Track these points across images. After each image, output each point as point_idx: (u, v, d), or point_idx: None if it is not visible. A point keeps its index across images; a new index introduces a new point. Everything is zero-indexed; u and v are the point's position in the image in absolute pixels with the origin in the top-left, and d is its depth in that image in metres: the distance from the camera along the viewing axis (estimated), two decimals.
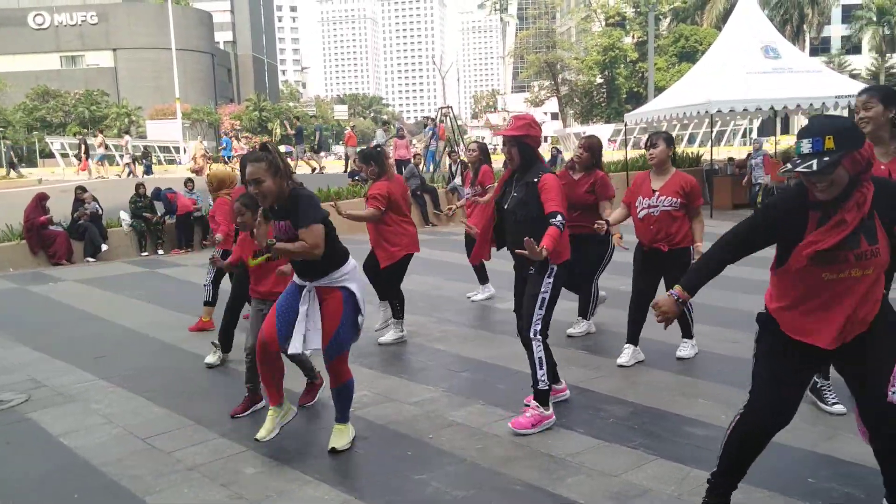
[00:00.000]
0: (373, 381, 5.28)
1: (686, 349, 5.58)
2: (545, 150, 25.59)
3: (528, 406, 4.27)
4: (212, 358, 5.87)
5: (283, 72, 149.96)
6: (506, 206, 4.37)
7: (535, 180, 4.22)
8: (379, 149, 6.74)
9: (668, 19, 57.65)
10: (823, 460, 3.71)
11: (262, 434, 4.09)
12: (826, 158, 2.62)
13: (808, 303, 2.83)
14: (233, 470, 3.90)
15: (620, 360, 5.42)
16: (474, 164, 7.68)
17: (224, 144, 30.63)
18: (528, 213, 4.22)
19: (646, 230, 5.28)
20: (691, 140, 34.93)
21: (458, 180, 14.55)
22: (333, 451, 4.04)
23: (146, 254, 12.64)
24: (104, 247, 12.28)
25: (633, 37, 55.88)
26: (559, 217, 4.07)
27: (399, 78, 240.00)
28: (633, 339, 5.48)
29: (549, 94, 62.54)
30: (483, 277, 7.89)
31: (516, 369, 5.43)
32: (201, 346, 6.40)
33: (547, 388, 4.25)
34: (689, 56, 47.01)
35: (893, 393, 2.72)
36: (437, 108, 19.88)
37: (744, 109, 15.43)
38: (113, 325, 7.48)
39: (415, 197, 13.97)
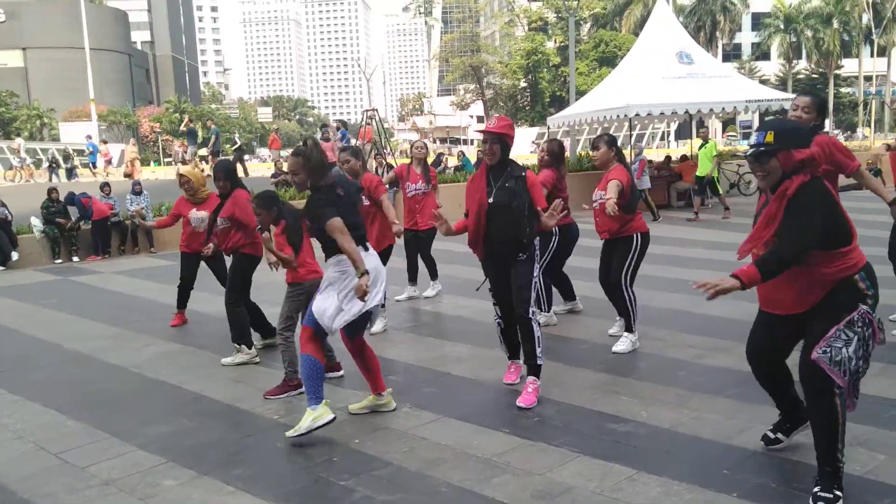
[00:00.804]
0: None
1: (624, 344, 5.77)
2: (471, 154, 25.76)
3: (529, 383, 4.74)
4: (242, 357, 5.89)
5: (205, 73, 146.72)
6: (492, 200, 4.64)
7: (524, 174, 4.68)
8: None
9: (588, 25, 58.92)
10: (738, 452, 3.84)
11: (353, 407, 4.67)
12: (762, 149, 3.22)
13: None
14: (151, 483, 3.78)
15: (616, 349, 5.76)
16: (422, 161, 7.81)
17: (90, 149, 29.39)
18: (521, 204, 4.60)
19: (595, 221, 5.91)
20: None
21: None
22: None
23: (60, 261, 12.12)
24: (14, 255, 11.72)
25: (555, 41, 56.87)
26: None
27: (325, 80, 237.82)
28: (629, 327, 5.83)
29: (474, 98, 63.04)
30: (413, 277, 7.94)
31: (444, 371, 5.45)
32: (118, 356, 6.20)
33: (542, 363, 4.75)
34: (609, 61, 48.15)
35: (819, 353, 3.15)
36: (363, 110, 19.77)
37: (661, 113, 15.92)
38: (23, 336, 7.15)
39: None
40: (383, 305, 6.21)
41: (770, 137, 3.21)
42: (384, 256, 6.34)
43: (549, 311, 6.60)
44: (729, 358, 5.44)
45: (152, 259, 11.60)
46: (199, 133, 26.86)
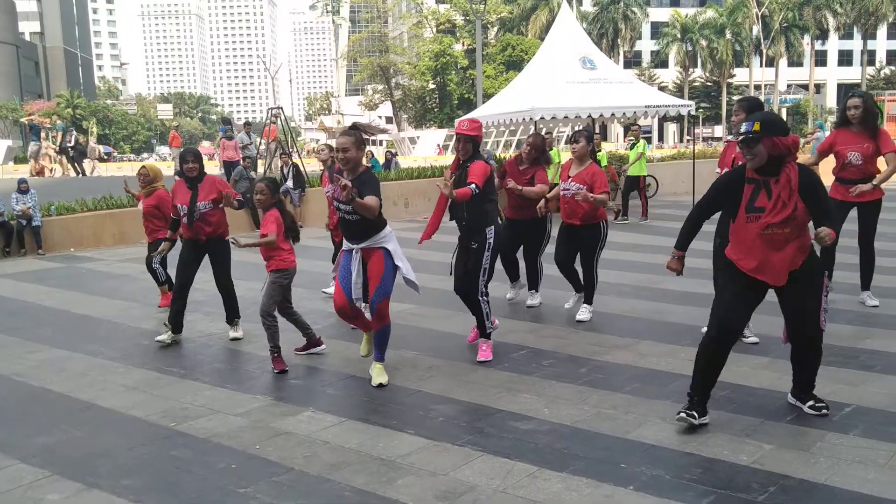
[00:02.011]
0: (196, 394, 5.03)
1: (584, 313, 6.64)
2: (380, 154, 25.67)
3: (482, 343, 5.64)
4: (163, 336, 6.30)
5: (100, 67, 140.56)
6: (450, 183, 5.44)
7: (468, 165, 5.46)
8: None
9: (495, 28, 59.72)
10: (634, 446, 3.95)
11: (364, 351, 5.48)
12: (751, 136, 3.87)
13: (755, 251, 3.99)
14: (34, 498, 3.56)
15: (579, 318, 6.61)
16: (328, 163, 7.68)
17: None
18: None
19: (563, 208, 6.60)
20: (519, 145, 36.38)
21: (289, 182, 14.26)
22: (381, 385, 5.01)
23: None
24: None
25: (463, 44, 57.37)
26: (473, 185, 5.30)
27: (228, 77, 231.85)
28: (577, 288, 6.84)
29: (383, 98, 62.87)
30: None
31: (347, 373, 5.38)
32: (4, 365, 5.82)
33: (492, 330, 5.69)
34: (516, 65, 48.95)
35: (824, 324, 4.09)
36: (268, 108, 19.36)
37: (564, 116, 16.24)
38: None
39: (245, 201, 13.49)
40: None
41: (757, 126, 3.87)
42: None
43: (538, 291, 7.27)
44: (628, 354, 5.60)
45: (40, 261, 10.98)
46: (49, 130, 25.57)
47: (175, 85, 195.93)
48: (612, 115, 16.51)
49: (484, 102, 21.46)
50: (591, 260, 6.60)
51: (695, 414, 4.10)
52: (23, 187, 11.71)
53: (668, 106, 16.84)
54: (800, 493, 3.39)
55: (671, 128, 66.58)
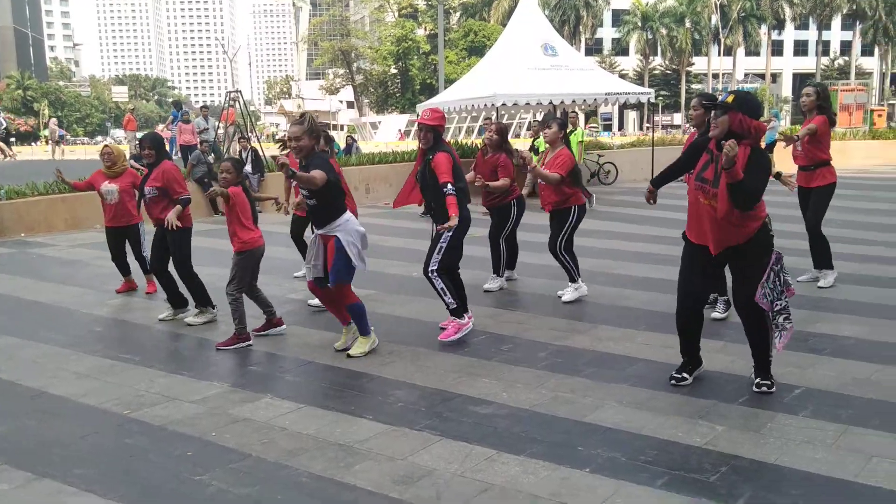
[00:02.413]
0: (150, 381, 4.95)
1: (569, 294, 6.77)
2: (340, 139, 25.45)
3: (447, 323, 5.72)
4: (165, 314, 6.48)
5: (52, 48, 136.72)
6: (418, 178, 5.76)
7: (430, 157, 5.55)
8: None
9: (458, 14, 59.54)
10: (591, 429, 4.00)
11: (339, 345, 5.50)
12: (721, 105, 4.11)
13: (698, 219, 4.28)
14: None
15: (565, 298, 6.76)
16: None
17: None
18: (431, 182, 5.57)
19: (541, 195, 6.82)
20: (482, 131, 36.38)
21: (248, 167, 14.05)
22: (349, 356, 5.29)
23: None
24: None
25: (425, 29, 57.10)
26: (448, 186, 5.45)
27: (186, 60, 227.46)
28: (572, 278, 6.84)
29: (344, 83, 62.32)
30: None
31: (307, 360, 5.35)
32: None
33: (455, 306, 5.63)
34: (478, 50, 48.90)
35: (761, 296, 4.18)
36: (227, 92, 19.04)
37: (526, 103, 16.30)
38: None
39: (202, 185, 13.31)
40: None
41: (731, 99, 4.10)
42: None
43: (502, 276, 7.39)
44: (586, 339, 5.66)
45: None
46: None
47: (130, 67, 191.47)
48: (574, 101, 16.61)
49: (446, 88, 21.40)
50: (554, 244, 6.72)
51: (684, 376, 4.56)
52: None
53: (629, 93, 16.99)
54: (750, 473, 3.46)
55: (631, 115, 67.23)
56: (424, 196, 5.81)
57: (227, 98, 18.16)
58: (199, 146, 15.85)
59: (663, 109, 66.39)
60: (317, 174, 4.98)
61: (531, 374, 4.90)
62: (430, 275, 5.60)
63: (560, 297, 6.82)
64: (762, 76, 67.96)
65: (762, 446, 3.73)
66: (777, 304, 4.23)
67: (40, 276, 8.54)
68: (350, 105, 64.66)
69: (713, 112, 4.18)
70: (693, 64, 66.33)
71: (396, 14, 57.98)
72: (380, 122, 52.30)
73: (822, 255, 7.09)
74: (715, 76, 64.37)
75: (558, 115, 18.03)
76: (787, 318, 4.27)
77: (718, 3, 59.24)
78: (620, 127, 67.93)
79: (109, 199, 7.21)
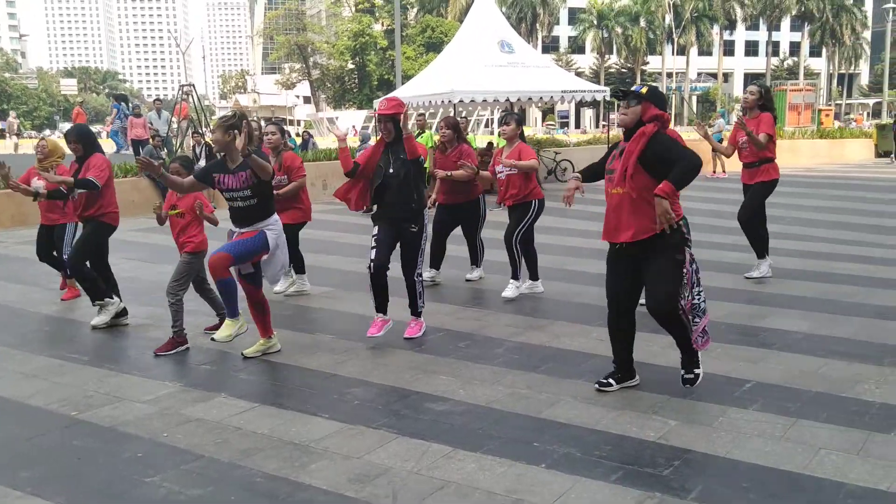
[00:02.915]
0: (99, 381, 4.83)
1: (510, 290, 6.80)
2: (297, 135, 25.18)
3: (412, 321, 5.70)
4: (101, 319, 6.06)
5: None
6: (391, 171, 5.42)
7: (400, 144, 5.39)
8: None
9: (415, 10, 59.40)
10: (546, 425, 4.02)
11: (248, 350, 5.23)
12: (635, 93, 4.18)
13: (608, 213, 4.28)
14: None
15: (505, 294, 6.78)
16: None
17: None
18: (408, 173, 5.41)
19: (499, 190, 6.79)
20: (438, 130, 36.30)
21: (202, 162, 13.82)
22: (213, 339, 5.31)
23: None
24: None
25: (382, 24, 56.83)
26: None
27: (138, 52, 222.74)
28: (514, 275, 6.83)
29: (300, 78, 61.67)
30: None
31: (262, 359, 5.28)
32: None
33: (422, 308, 5.71)
34: (436, 46, 48.86)
35: (693, 306, 4.20)
36: (180, 85, 18.70)
37: (483, 100, 16.32)
38: None
39: (153, 181, 13.03)
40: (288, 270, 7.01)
41: (645, 90, 4.18)
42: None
43: (480, 267, 7.57)
44: (542, 335, 5.70)
45: None
46: None
47: (80, 59, 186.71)
48: (530, 98, 16.70)
49: (403, 84, 21.32)
50: (511, 235, 6.72)
51: (609, 382, 4.45)
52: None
53: (585, 91, 17.14)
54: (703, 467, 3.52)
55: (588, 113, 67.89)
56: (389, 195, 5.47)
57: (180, 92, 17.84)
58: (150, 141, 15.55)
59: (618, 107, 67.29)
60: (266, 164, 4.90)
61: (488, 370, 4.92)
62: (416, 278, 5.59)
63: (503, 296, 6.80)
64: (714, 75, 69.25)
65: (714, 440, 3.79)
66: (695, 303, 4.23)
67: None
68: (307, 100, 64.04)
69: (624, 98, 4.22)
70: (648, 63, 67.28)
71: (353, 9, 57.62)
72: (337, 118, 51.92)
73: (757, 245, 7.31)
74: (669, 75, 65.36)
75: (516, 111, 18.10)
76: (698, 314, 4.24)
77: (672, 3, 60.14)
78: (578, 125, 68.63)
79: (38, 197, 6.46)
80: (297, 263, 7.11)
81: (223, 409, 4.33)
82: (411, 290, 5.64)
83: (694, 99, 63.40)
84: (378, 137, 5.64)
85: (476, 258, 7.57)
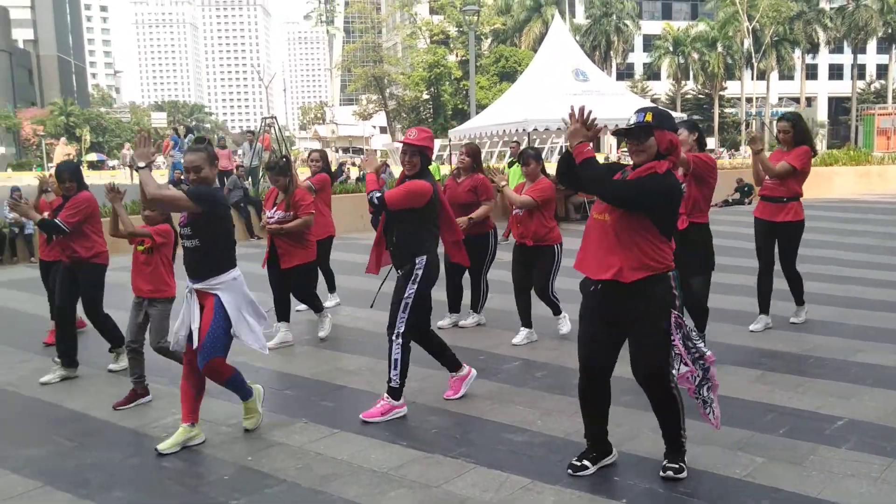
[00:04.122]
0: None
1: (564, 324, 6.48)
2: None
3: (380, 399, 4.68)
4: (49, 376, 5.62)
5: (94, 75, 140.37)
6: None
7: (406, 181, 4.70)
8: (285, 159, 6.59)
9: (489, 40, 59.93)
10: (627, 458, 3.95)
11: (162, 445, 4.19)
12: (643, 125, 3.49)
13: (586, 241, 3.65)
14: None
15: (514, 340, 6.28)
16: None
17: None
18: (406, 216, 4.65)
19: (514, 228, 6.27)
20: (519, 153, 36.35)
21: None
22: (246, 430, 4.47)
23: None
24: None
25: (456, 55, 57.54)
26: (378, 194, 4.58)
27: (223, 86, 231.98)
28: (525, 322, 6.35)
29: (377, 108, 62.92)
30: (332, 285, 7.98)
31: (341, 384, 5.37)
32: None
33: (397, 386, 4.62)
34: (509, 76, 49.12)
35: (684, 377, 3.55)
36: (262, 118, 19.38)
37: (557, 128, 16.33)
38: None
39: (239, 209, 13.51)
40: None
41: (649, 117, 3.49)
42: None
43: (479, 313, 7.01)
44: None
45: (32, 269, 10.91)
46: None
47: (169, 93, 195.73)
48: (605, 126, 16.57)
49: (477, 113, 21.52)
50: (546, 290, 6.24)
51: (584, 464, 3.74)
52: (16, 196, 11.66)
53: None
54: None
55: None
56: (386, 231, 4.80)
57: (263, 124, 18.47)
58: (234, 171, 16.12)
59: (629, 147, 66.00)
60: (178, 193, 4.12)
61: (565, 401, 4.86)
62: (393, 338, 4.61)
63: (512, 343, 6.26)
64: (797, 100, 67.27)
65: (804, 479, 3.65)
66: (695, 377, 3.55)
67: None
68: (383, 130, 65.24)
69: (632, 139, 3.55)
70: (726, 88, 65.89)
71: (428, 41, 58.59)
72: None
73: (797, 292, 6.50)
74: (748, 100, 63.87)
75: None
76: (709, 387, 3.60)
77: (751, 28, 58.94)
78: None
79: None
80: (284, 307, 6.52)
81: (304, 434, 4.42)
82: (389, 350, 4.65)
83: (775, 124, 61.69)
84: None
85: (477, 302, 6.95)
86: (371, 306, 5.74)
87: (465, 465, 3.91)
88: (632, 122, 3.54)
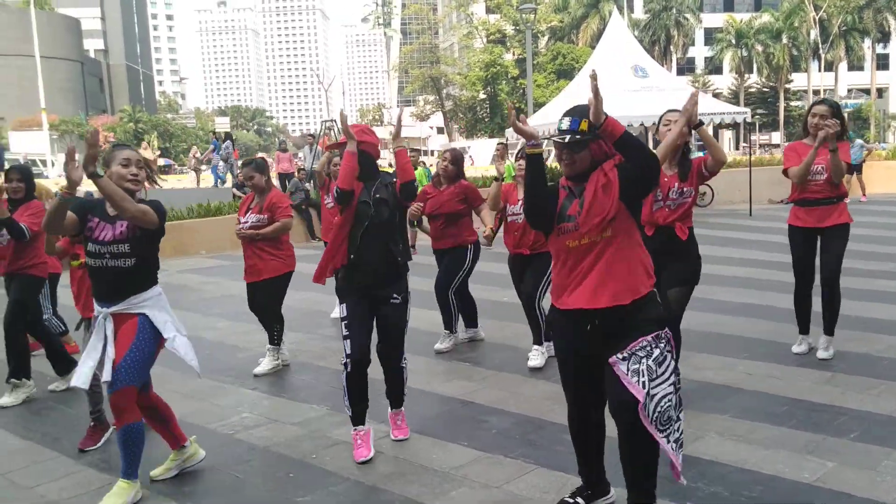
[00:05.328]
0: (254, 403, 5.14)
1: (536, 358, 5.64)
2: (432, 163, 25.76)
3: (396, 414, 4.43)
4: (8, 398, 5.27)
5: (160, 82, 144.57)
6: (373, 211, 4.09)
7: (394, 181, 4.15)
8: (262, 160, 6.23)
9: (545, 38, 59.56)
10: (691, 461, 3.88)
11: (155, 472, 3.93)
12: (577, 137, 2.96)
13: (563, 273, 3.08)
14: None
15: (531, 364, 5.61)
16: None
17: None
18: (392, 216, 4.13)
19: (511, 237, 5.68)
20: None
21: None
22: None
23: None
24: None
25: (513, 54, 57.36)
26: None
27: (283, 90, 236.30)
28: (537, 340, 5.71)
29: (434, 109, 63.21)
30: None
31: None
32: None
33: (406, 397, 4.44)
34: (567, 73, 48.71)
35: (620, 360, 2.93)
36: (322, 121, 19.71)
37: (629, 125, 16.14)
38: None
39: (300, 211, 13.75)
40: (271, 342, 5.87)
41: (585, 126, 2.94)
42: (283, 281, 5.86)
43: (455, 332, 6.31)
44: (683, 367, 5.48)
45: None
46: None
47: (232, 98, 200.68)
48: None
49: (535, 112, 21.42)
50: (534, 295, 5.59)
51: (577, 502, 3.34)
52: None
53: (723, 113, 16.61)
54: None
55: (726, 135, 65.34)
56: (365, 254, 4.11)
57: (323, 127, 18.77)
58: (296, 174, 16.43)
59: (761, 128, 64.28)
60: (146, 206, 3.61)
61: None
62: (402, 366, 4.30)
63: (529, 366, 5.63)
64: (867, 91, 64.90)
65: (877, 485, 3.54)
66: (661, 415, 2.94)
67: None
68: (440, 131, 65.49)
69: (565, 150, 3.04)
70: (792, 81, 64.00)
71: (485, 40, 58.55)
72: (468, 147, 52.79)
73: (834, 315, 5.50)
74: (816, 92, 61.85)
75: (649, 138, 17.72)
76: (678, 450, 3.05)
77: (818, 18, 57.12)
78: None
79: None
80: (276, 327, 5.88)
81: None
82: (397, 379, 4.31)
83: (814, 110, 59.46)
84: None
85: (450, 321, 6.25)
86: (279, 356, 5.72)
87: (526, 466, 3.91)
88: (563, 127, 3.00)
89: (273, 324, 5.86)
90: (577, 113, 2.99)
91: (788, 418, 4.39)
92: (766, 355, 5.57)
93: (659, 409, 2.91)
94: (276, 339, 5.87)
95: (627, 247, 3.03)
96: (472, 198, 6.06)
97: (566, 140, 2.98)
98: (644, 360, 2.91)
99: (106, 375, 3.60)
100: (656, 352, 2.93)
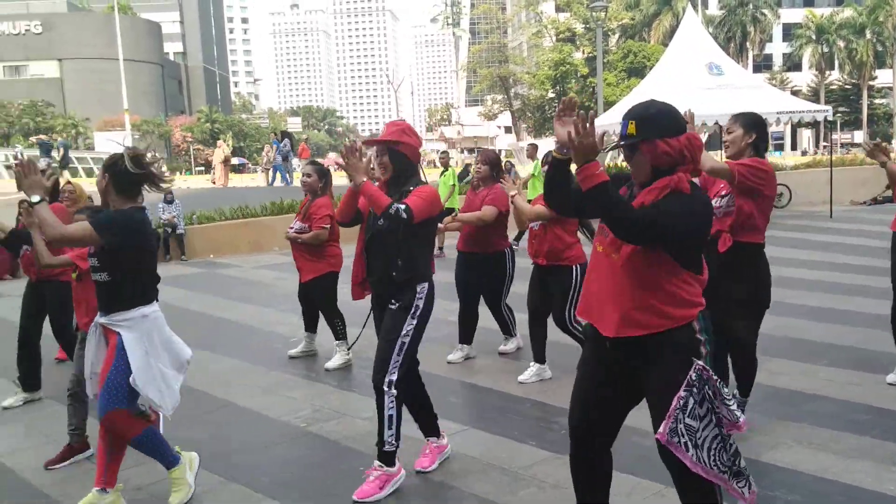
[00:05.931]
0: (325, 397, 5.25)
1: (531, 372, 5.47)
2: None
3: (372, 470, 3.74)
4: (11, 399, 5.32)
5: (236, 83, 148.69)
6: (380, 222, 3.70)
7: (411, 188, 3.72)
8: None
9: (616, 35, 58.72)
10: (767, 469, 3.80)
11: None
12: (623, 143, 2.68)
13: (591, 283, 2.80)
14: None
15: (521, 378, 5.42)
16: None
17: None
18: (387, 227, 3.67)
19: (530, 244, 5.37)
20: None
21: None
22: None
23: None
24: None
25: (583, 52, 56.75)
26: (403, 206, 3.58)
27: (353, 90, 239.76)
28: (537, 357, 5.47)
29: (502, 108, 63.09)
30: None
31: (470, 382, 5.46)
32: None
33: (393, 449, 3.73)
34: (638, 71, 47.91)
35: (672, 438, 2.60)
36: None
37: (703, 124, 15.79)
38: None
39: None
40: (336, 337, 6.02)
41: (632, 128, 2.66)
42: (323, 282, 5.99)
43: (515, 335, 6.26)
44: (759, 373, 5.37)
45: (184, 266, 11.75)
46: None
47: (303, 98, 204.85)
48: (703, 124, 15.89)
49: (605, 111, 21.16)
50: (564, 318, 5.27)
51: None
52: (168, 198, 12.57)
53: (802, 112, 16.07)
54: None
55: (806, 134, 63.17)
56: (371, 254, 3.83)
57: None
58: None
59: (842, 127, 61.89)
60: (80, 228, 3.38)
61: None
62: (386, 389, 3.70)
63: (519, 380, 5.43)
64: None
65: None
66: (717, 456, 2.63)
67: (227, 294, 9.28)
68: (508, 130, 65.36)
69: (620, 153, 2.75)
70: (876, 77, 61.40)
71: (554, 38, 58.11)
72: (521, 148, 52.50)
73: None
74: None
75: (725, 137, 17.22)
76: (746, 483, 2.71)
77: None
78: (794, 147, 64.01)
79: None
80: (336, 323, 6.07)
81: None
82: (379, 404, 3.74)
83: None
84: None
85: (508, 327, 6.22)
86: (349, 349, 5.67)
87: None
88: (620, 132, 2.76)
89: (333, 319, 6.07)
90: (627, 115, 2.70)
91: (871, 427, 4.23)
92: (847, 362, 5.39)
93: (713, 453, 2.63)
94: (340, 333, 6.03)
95: (652, 274, 2.61)
96: (499, 204, 5.67)
97: (620, 143, 2.71)
98: (683, 419, 2.57)
99: (90, 390, 3.64)
100: (691, 402, 2.56)
